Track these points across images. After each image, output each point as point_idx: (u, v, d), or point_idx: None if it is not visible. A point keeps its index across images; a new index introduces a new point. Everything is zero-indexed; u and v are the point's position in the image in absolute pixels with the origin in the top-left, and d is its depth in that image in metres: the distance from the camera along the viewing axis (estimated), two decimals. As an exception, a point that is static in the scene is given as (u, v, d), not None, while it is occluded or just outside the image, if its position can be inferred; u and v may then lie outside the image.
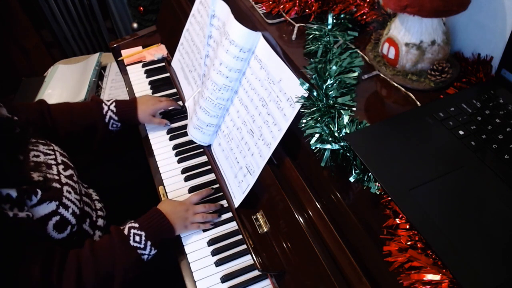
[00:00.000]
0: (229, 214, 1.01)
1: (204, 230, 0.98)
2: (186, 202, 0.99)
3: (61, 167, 0.93)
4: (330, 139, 0.69)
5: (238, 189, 0.93)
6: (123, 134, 1.21)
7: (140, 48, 1.49)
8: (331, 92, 0.74)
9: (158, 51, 1.46)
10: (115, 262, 0.86)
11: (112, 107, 1.15)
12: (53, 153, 0.95)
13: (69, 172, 0.95)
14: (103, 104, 1.15)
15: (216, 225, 0.99)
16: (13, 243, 0.76)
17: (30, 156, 0.89)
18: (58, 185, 0.88)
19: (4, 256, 0.75)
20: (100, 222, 1.00)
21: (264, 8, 0.98)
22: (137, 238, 0.89)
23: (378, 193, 0.63)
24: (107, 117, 1.14)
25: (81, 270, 0.82)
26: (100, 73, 1.73)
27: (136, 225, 0.91)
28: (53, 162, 0.93)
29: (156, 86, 1.37)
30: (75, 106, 1.15)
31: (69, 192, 0.90)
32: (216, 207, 1.01)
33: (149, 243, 0.90)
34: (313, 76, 0.76)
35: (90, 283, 0.83)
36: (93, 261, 0.84)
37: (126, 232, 0.90)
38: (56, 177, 0.90)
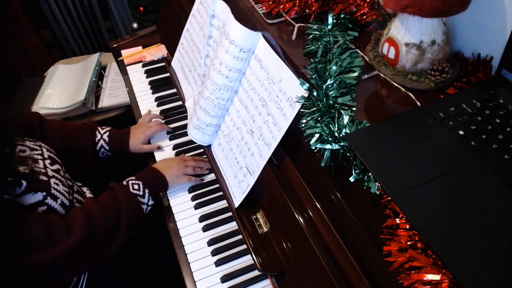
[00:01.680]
0: (229, 214, 1.01)
1: (204, 230, 0.99)
2: (177, 157, 1.10)
3: (47, 161, 0.94)
4: (330, 139, 0.69)
5: (238, 189, 0.93)
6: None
7: (140, 48, 1.49)
8: (331, 92, 0.74)
9: (158, 51, 1.46)
10: (120, 206, 0.91)
11: (105, 136, 1.15)
12: (39, 148, 0.95)
13: (56, 166, 0.95)
14: (97, 131, 1.15)
15: (216, 225, 0.99)
16: (6, 215, 0.77)
17: (16, 151, 0.89)
18: (45, 178, 0.89)
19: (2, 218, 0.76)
20: None
21: (264, 8, 0.98)
22: (136, 186, 0.97)
23: (378, 193, 0.63)
24: (99, 145, 1.15)
25: (90, 215, 0.86)
26: (100, 73, 1.73)
27: (133, 177, 1.00)
28: (39, 157, 0.93)
29: (156, 86, 1.37)
30: (68, 126, 1.15)
31: (57, 184, 0.90)
32: (204, 161, 1.10)
33: (147, 190, 0.98)
34: (313, 76, 0.76)
35: (101, 226, 0.87)
36: (99, 206, 0.89)
37: (124, 183, 0.98)
38: (43, 170, 0.90)
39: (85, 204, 0.91)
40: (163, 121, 1.23)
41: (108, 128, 1.18)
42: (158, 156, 1.17)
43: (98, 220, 0.87)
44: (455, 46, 0.80)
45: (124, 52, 1.48)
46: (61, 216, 0.88)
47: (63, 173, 0.97)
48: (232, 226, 0.99)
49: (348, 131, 0.68)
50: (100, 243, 0.87)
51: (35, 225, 0.79)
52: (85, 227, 0.84)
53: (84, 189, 1.09)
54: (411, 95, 0.75)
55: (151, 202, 0.98)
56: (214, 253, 0.94)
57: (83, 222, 0.84)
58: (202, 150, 1.14)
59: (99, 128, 1.16)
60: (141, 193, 0.97)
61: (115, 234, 0.90)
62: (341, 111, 0.71)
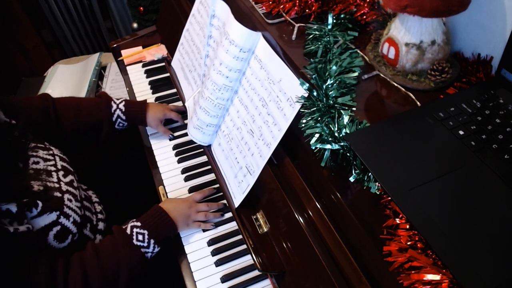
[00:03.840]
0: (229, 214, 1.01)
1: (204, 230, 0.99)
2: (188, 199, 0.99)
3: (61, 173, 0.92)
4: (330, 139, 0.69)
5: (238, 189, 0.93)
6: (123, 134, 1.21)
7: (140, 48, 1.49)
8: (331, 92, 0.74)
9: (158, 51, 1.46)
10: (120, 262, 0.85)
11: (121, 106, 1.13)
12: (52, 158, 0.94)
13: (69, 178, 0.94)
14: (112, 102, 1.13)
15: (216, 225, 0.99)
16: (15, 256, 0.76)
17: (29, 163, 0.88)
18: (59, 194, 0.87)
19: (7, 269, 0.74)
20: (101, 225, 1.00)
21: (264, 8, 0.98)
22: (140, 237, 0.88)
23: (378, 193, 0.63)
24: (115, 115, 1.13)
25: (86, 273, 0.82)
26: (100, 73, 1.73)
27: (138, 224, 0.90)
28: (53, 168, 0.91)
29: (156, 86, 1.37)
30: (82, 102, 1.12)
31: (70, 200, 0.88)
32: (219, 206, 1.01)
33: (152, 241, 0.89)
34: (313, 76, 0.76)
35: (97, 285, 0.82)
36: (98, 263, 0.83)
37: (128, 231, 0.89)
38: (57, 185, 0.88)
39: (84, 257, 0.84)
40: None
41: (123, 99, 1.16)
42: (159, 156, 1.16)
43: (95, 279, 0.82)
44: (455, 46, 0.80)
45: (124, 52, 1.48)
46: (73, 234, 0.87)
47: (76, 184, 0.95)
48: (232, 226, 0.99)
49: (348, 131, 0.68)
50: None
51: (40, 270, 0.77)
52: (80, 286, 0.80)
53: (90, 192, 1.08)
54: (411, 95, 0.75)
55: (157, 249, 0.91)
56: (214, 253, 0.94)
57: (79, 281, 0.80)
58: (202, 150, 1.14)
59: (114, 99, 1.14)
60: (145, 244, 0.89)
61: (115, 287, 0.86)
62: (341, 111, 0.71)
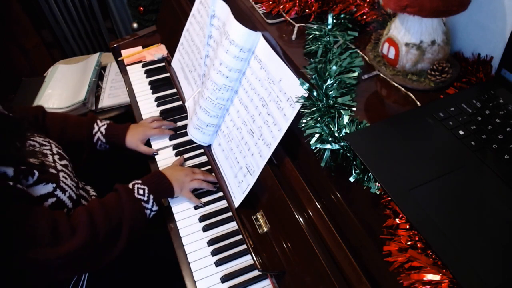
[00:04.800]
0: (229, 214, 1.01)
1: (204, 230, 0.99)
2: (187, 169, 1.07)
3: (56, 156, 0.95)
4: (330, 139, 0.69)
5: (238, 189, 0.93)
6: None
7: (140, 48, 1.49)
8: (331, 92, 0.74)
9: (158, 51, 1.46)
10: (123, 211, 0.91)
11: (102, 128, 1.16)
12: (48, 144, 0.97)
13: (64, 162, 0.96)
14: (95, 124, 1.16)
15: (216, 225, 0.99)
16: (14, 206, 0.78)
17: (26, 145, 0.90)
18: (54, 171, 0.90)
19: (7, 219, 0.76)
20: None
21: (264, 8, 0.98)
22: (141, 191, 0.96)
23: (378, 193, 0.63)
24: (95, 137, 1.15)
25: (93, 219, 0.86)
26: (100, 73, 1.73)
27: (140, 181, 0.99)
28: (48, 152, 0.94)
29: (156, 86, 1.37)
30: (69, 119, 1.16)
31: (65, 178, 0.91)
32: (214, 178, 1.05)
33: (151, 196, 0.96)
34: (313, 76, 0.76)
35: (103, 229, 0.86)
36: (103, 209, 0.89)
37: (130, 186, 0.97)
38: (52, 164, 0.91)
39: (90, 205, 0.91)
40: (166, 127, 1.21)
41: (108, 122, 1.18)
42: (159, 156, 1.16)
43: (101, 223, 0.87)
44: (455, 46, 0.80)
45: (124, 52, 1.48)
46: (68, 209, 0.89)
47: (71, 169, 0.98)
48: (232, 226, 0.99)
49: (348, 131, 0.68)
50: (101, 246, 0.87)
51: (42, 221, 0.79)
52: (88, 229, 0.84)
53: (88, 187, 1.09)
54: (411, 95, 0.75)
55: (155, 208, 0.97)
56: (214, 253, 0.94)
57: (86, 224, 0.84)
58: (202, 150, 1.14)
59: (98, 121, 1.17)
60: (145, 198, 0.95)
61: (117, 238, 0.89)
62: (341, 111, 0.71)
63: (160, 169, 1.08)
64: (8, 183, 0.77)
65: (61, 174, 0.91)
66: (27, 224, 0.78)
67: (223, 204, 1.04)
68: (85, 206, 0.90)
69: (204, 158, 1.14)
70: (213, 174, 1.06)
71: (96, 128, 1.16)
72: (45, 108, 1.48)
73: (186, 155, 1.15)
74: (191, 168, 1.08)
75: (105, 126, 1.16)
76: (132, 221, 0.91)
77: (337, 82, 0.75)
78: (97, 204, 0.90)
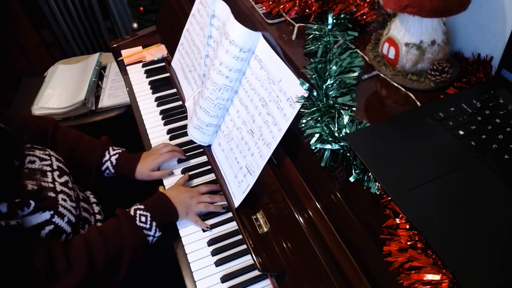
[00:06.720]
0: (229, 214, 1.01)
1: (204, 230, 0.99)
2: (193, 190, 1.02)
3: (56, 173, 0.92)
4: (330, 139, 0.69)
5: (238, 189, 0.93)
6: (123, 134, 1.21)
7: (140, 48, 1.49)
8: (331, 92, 0.74)
9: (158, 51, 1.46)
10: (124, 241, 0.87)
11: (113, 158, 1.10)
12: (49, 158, 0.94)
13: (64, 178, 0.93)
14: (107, 152, 1.11)
15: (216, 225, 0.99)
16: (6, 246, 0.75)
17: (25, 162, 0.87)
18: (52, 194, 0.86)
19: (3, 259, 0.74)
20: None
21: (264, 8, 0.98)
22: (143, 219, 0.92)
23: (378, 193, 0.63)
24: (105, 166, 1.10)
25: (92, 251, 0.83)
26: (100, 73, 1.73)
27: (142, 206, 0.94)
28: (48, 168, 0.91)
29: (156, 86, 1.37)
30: (81, 140, 1.11)
31: (65, 200, 0.88)
32: (222, 199, 1.02)
33: (154, 224, 0.92)
34: (313, 76, 0.76)
35: (102, 262, 0.83)
36: (102, 240, 0.85)
37: (132, 213, 0.92)
38: (51, 185, 0.88)
39: (88, 234, 0.87)
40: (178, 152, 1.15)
41: (119, 150, 1.12)
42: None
43: (100, 255, 0.83)
44: (455, 46, 0.80)
45: (124, 52, 1.48)
46: (67, 234, 0.87)
47: (71, 185, 0.95)
48: (232, 226, 0.99)
49: (348, 131, 0.68)
50: (101, 279, 0.84)
51: (37, 258, 0.76)
52: (86, 264, 0.80)
53: (88, 193, 1.08)
54: (411, 95, 0.75)
55: (158, 234, 0.93)
56: (214, 253, 0.94)
57: (84, 258, 0.81)
58: (202, 150, 1.14)
59: (110, 149, 1.11)
60: (148, 226, 0.91)
61: (118, 269, 0.86)
62: (341, 111, 0.71)
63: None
64: (0, 223, 0.74)
65: (60, 196, 0.87)
66: (21, 263, 0.75)
67: (223, 204, 1.04)
68: (83, 236, 0.86)
69: (204, 158, 1.14)
70: (220, 193, 1.03)
71: (107, 156, 1.10)
72: (45, 108, 1.47)
73: (186, 155, 1.15)
74: (197, 188, 1.03)
75: (117, 156, 1.11)
76: (133, 251, 0.88)
77: (337, 82, 0.75)
78: (96, 234, 0.86)
